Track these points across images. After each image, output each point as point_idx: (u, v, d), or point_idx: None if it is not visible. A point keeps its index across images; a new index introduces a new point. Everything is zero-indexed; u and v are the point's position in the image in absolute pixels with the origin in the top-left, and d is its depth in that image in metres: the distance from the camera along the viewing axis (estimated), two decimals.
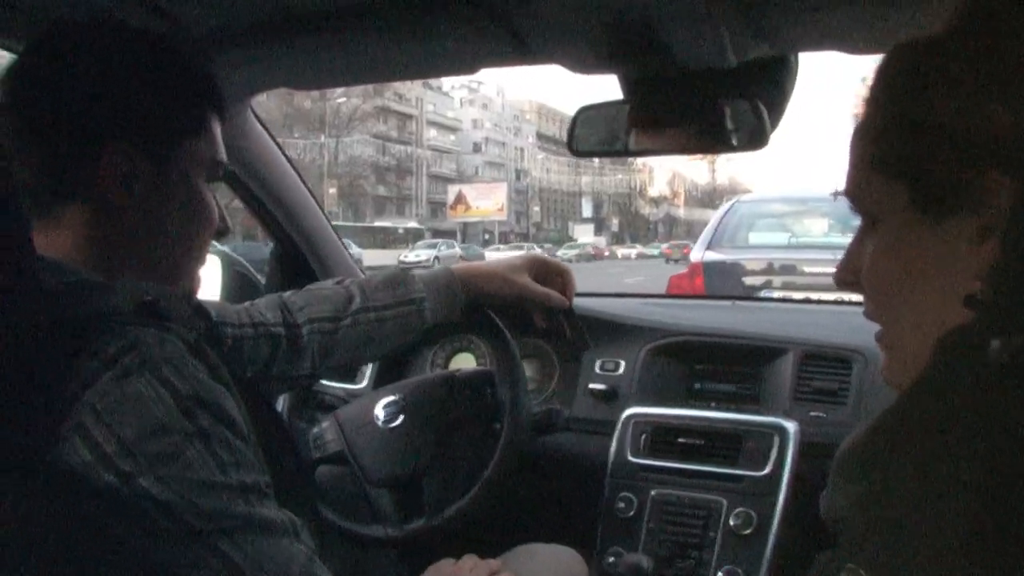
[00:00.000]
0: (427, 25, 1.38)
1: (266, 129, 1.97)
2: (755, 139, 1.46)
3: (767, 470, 1.76)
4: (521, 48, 1.40)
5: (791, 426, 1.79)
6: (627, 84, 1.55)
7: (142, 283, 0.98)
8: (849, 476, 0.66)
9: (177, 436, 0.84)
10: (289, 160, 2.06)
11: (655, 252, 54.40)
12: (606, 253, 53.62)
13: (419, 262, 35.42)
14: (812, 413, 1.86)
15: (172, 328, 0.93)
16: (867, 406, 1.81)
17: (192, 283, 1.13)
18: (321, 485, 1.79)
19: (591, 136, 1.61)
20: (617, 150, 1.59)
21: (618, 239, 75.36)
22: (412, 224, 55.03)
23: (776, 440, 1.78)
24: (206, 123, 1.09)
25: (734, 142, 1.48)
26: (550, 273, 1.72)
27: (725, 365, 2.03)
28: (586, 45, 1.37)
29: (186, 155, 1.06)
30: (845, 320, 2.19)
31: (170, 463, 0.83)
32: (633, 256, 52.97)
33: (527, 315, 1.73)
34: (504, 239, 61.34)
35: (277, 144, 2.02)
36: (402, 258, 37.20)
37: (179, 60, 1.07)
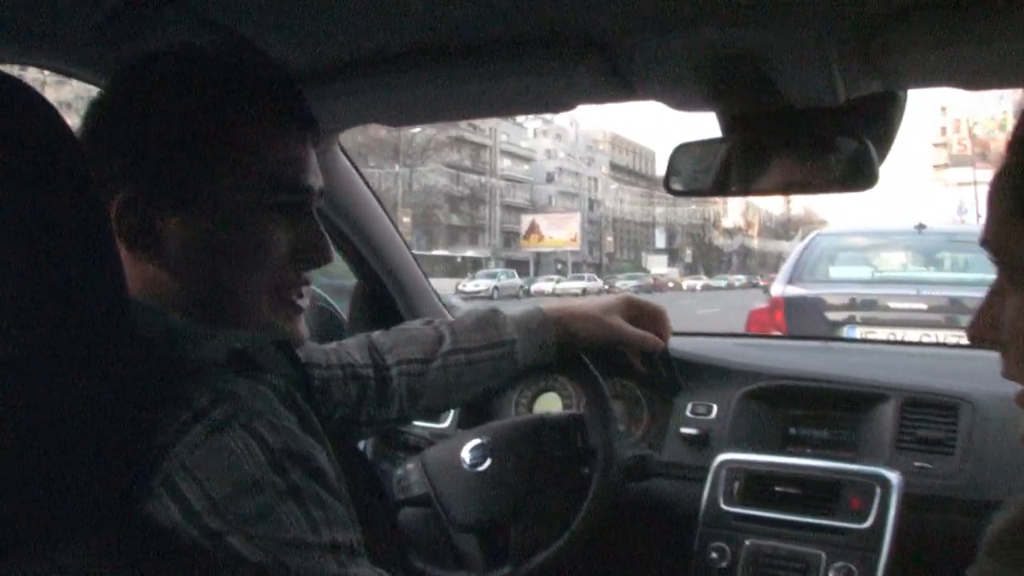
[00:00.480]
0: (530, 63, 1.35)
1: (353, 165, 1.96)
2: (864, 179, 1.40)
3: (869, 523, 1.68)
4: (624, 86, 1.37)
5: (894, 477, 1.71)
6: (725, 121, 1.50)
7: (233, 331, 0.95)
8: (1011, 562, 0.61)
9: (268, 493, 0.81)
10: (376, 196, 2.05)
11: (722, 284, 53.75)
12: (670, 284, 52.49)
13: (478, 292, 36.25)
14: (916, 463, 1.77)
15: (263, 378, 0.90)
16: (977, 457, 1.72)
17: (275, 321, 1.02)
18: (404, 528, 1.76)
19: (688, 174, 1.56)
20: (715, 189, 1.54)
21: (691, 270, 74.78)
22: (470, 253, 55.27)
23: (878, 491, 1.70)
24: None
25: (841, 182, 1.42)
26: (644, 315, 1.67)
27: (821, 410, 1.95)
28: (691, 84, 1.33)
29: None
30: (946, 364, 2.10)
31: (261, 522, 0.80)
32: (698, 288, 51.89)
33: (618, 357, 1.69)
34: (576, 269, 61.19)
35: (364, 180, 2.00)
36: (460, 287, 37.44)
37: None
